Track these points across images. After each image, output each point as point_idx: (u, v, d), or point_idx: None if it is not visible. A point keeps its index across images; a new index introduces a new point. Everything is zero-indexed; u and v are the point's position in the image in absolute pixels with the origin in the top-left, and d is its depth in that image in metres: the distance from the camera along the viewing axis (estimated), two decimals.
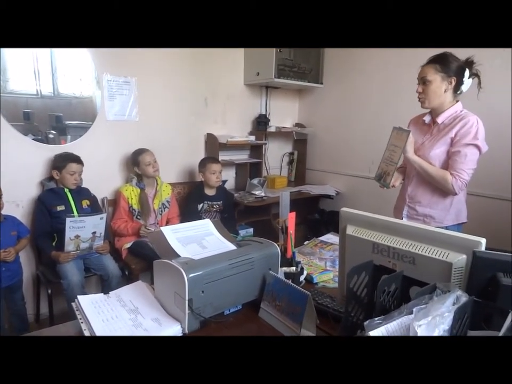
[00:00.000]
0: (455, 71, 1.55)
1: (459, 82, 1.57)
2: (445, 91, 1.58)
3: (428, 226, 0.82)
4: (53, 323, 2.15)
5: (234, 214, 2.90)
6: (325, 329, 1.02)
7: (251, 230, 3.16)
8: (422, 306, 0.64)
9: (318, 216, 3.51)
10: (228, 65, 3.17)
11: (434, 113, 1.67)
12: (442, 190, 1.62)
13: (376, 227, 0.88)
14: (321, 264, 1.52)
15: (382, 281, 0.72)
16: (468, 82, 1.59)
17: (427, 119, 1.71)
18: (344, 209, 0.97)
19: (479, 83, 1.59)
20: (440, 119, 1.63)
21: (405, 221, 0.86)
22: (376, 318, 0.60)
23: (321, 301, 1.14)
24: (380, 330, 0.58)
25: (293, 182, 3.77)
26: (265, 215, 3.18)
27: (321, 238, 1.82)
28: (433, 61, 1.57)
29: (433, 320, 0.54)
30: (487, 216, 2.37)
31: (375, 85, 3.09)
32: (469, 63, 1.57)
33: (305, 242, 1.78)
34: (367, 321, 0.60)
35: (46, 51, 2.26)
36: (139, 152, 2.50)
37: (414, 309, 0.63)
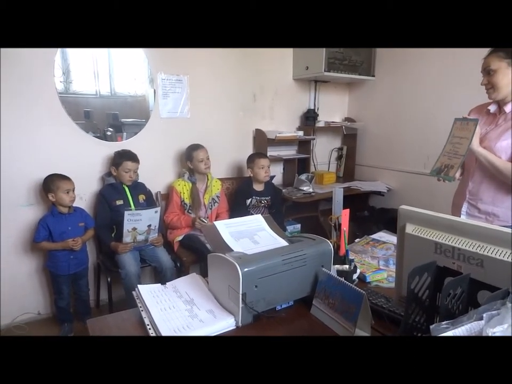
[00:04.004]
0: None
1: None
2: None
3: (499, 227, 0.76)
4: (111, 309, 2.30)
5: (282, 209, 2.90)
6: (380, 330, 0.99)
7: (298, 226, 3.14)
8: (493, 312, 0.60)
9: (367, 214, 3.41)
10: (277, 60, 3.15)
11: (501, 101, 1.54)
12: (508, 186, 1.49)
13: (440, 226, 0.83)
14: (374, 263, 1.47)
15: (448, 283, 0.68)
16: None
17: (492, 108, 1.58)
18: (403, 206, 0.93)
19: None
20: (508, 108, 1.51)
21: (472, 220, 0.81)
22: (443, 322, 0.57)
23: (375, 300, 1.11)
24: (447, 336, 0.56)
25: (341, 178, 3.69)
26: (313, 211, 3.15)
27: (373, 236, 1.77)
28: (496, 49, 1.46)
29: (509, 328, 0.50)
30: None
31: (431, 76, 2.91)
32: None
33: (356, 240, 1.73)
34: (433, 325, 0.57)
35: (104, 53, 2.40)
36: (194, 148, 2.57)
37: (484, 315, 0.59)
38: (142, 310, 1.06)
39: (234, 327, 1.01)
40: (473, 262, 0.76)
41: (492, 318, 0.57)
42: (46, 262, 2.28)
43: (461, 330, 0.57)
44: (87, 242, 2.35)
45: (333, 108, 3.63)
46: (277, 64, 3.17)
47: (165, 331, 0.95)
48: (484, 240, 0.76)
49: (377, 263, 1.47)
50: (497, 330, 0.50)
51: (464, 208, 1.66)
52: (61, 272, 2.17)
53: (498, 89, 1.49)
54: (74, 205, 2.25)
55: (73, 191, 2.18)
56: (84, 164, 2.42)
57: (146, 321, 1.01)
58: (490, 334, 0.50)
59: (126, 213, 2.05)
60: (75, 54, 2.31)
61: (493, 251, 0.74)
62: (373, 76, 3.31)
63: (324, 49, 2.91)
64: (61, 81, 2.29)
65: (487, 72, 1.49)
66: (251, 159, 2.75)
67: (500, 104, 1.56)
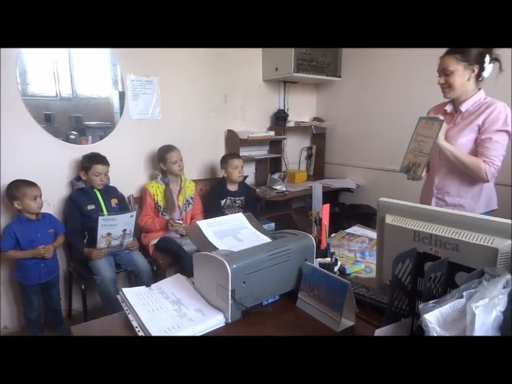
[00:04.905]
0: (476, 59, 1.54)
1: (481, 69, 1.56)
2: (468, 79, 1.57)
3: (471, 214, 0.83)
4: (86, 317, 2.22)
5: (256, 209, 2.93)
6: (364, 318, 1.04)
7: (272, 224, 3.17)
8: (471, 290, 0.65)
9: (338, 210, 3.51)
10: (247, 61, 3.19)
11: (456, 101, 1.66)
12: (470, 178, 1.61)
13: (417, 215, 0.89)
14: (351, 255, 1.53)
15: (430, 267, 0.73)
16: (489, 67, 1.57)
17: (449, 108, 1.70)
18: (382, 199, 0.98)
19: (500, 67, 1.58)
20: (464, 107, 1.63)
21: (447, 209, 0.87)
22: (430, 302, 0.62)
23: (357, 290, 1.16)
24: (434, 314, 0.60)
25: (311, 177, 3.77)
26: (286, 209, 3.20)
27: (348, 230, 1.83)
28: (453, 51, 1.56)
29: (490, 301, 0.56)
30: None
31: (395, 75, 3.06)
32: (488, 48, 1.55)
33: (332, 235, 1.79)
34: (421, 305, 0.62)
35: (64, 54, 2.29)
36: (167, 150, 2.54)
37: (464, 293, 0.64)
38: (128, 313, 1.04)
39: (224, 324, 1.02)
40: (449, 246, 0.82)
41: (472, 296, 0.63)
42: (13, 272, 2.16)
43: (445, 308, 0.62)
44: (57, 249, 2.26)
45: (302, 108, 3.72)
46: (246, 65, 3.20)
47: (155, 332, 0.94)
48: (458, 227, 0.82)
49: (354, 255, 1.53)
50: (480, 304, 0.56)
51: (433, 202, 1.76)
52: (30, 282, 2.07)
53: (454, 89, 1.60)
54: (42, 211, 2.16)
55: (40, 197, 2.09)
56: (50, 168, 2.32)
57: (135, 323, 0.99)
58: (474, 309, 0.55)
59: (100, 218, 1.99)
60: (32, 54, 2.18)
61: (466, 236, 0.80)
62: (339, 76, 3.42)
63: (293, 50, 2.98)
64: (17, 83, 2.17)
65: (445, 72, 1.59)
66: (224, 160, 2.76)
67: (455, 104, 1.67)
